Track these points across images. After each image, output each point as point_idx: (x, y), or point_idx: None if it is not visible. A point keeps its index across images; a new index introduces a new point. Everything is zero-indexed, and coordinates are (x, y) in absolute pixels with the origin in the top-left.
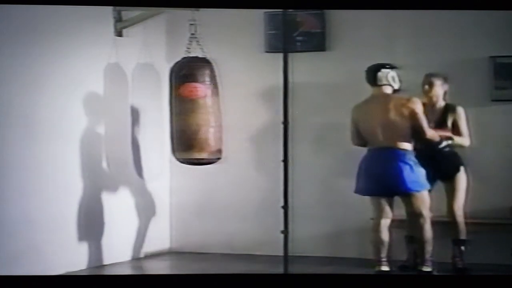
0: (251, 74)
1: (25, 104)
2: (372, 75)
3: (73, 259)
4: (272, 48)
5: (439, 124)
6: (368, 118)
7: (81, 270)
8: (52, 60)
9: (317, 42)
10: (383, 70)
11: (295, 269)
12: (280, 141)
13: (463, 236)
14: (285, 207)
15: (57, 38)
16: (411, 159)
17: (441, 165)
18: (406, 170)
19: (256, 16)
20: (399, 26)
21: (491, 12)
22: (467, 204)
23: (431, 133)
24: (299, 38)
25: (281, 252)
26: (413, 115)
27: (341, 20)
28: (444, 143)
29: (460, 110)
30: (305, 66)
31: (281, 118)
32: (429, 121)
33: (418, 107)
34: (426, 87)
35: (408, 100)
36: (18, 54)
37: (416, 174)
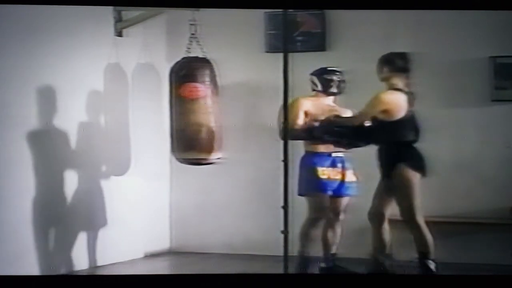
0: (251, 74)
1: (25, 104)
2: None
3: (73, 259)
4: (272, 48)
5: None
6: None
7: (81, 270)
8: (52, 60)
9: (317, 42)
10: (310, 75)
11: (295, 269)
12: (280, 141)
13: (428, 250)
14: (285, 207)
15: (57, 38)
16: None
17: (381, 161)
18: (301, 172)
19: (256, 16)
20: (399, 26)
21: (491, 12)
22: (422, 209)
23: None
24: (299, 38)
25: (281, 252)
26: None
27: (341, 20)
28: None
29: (379, 95)
30: (305, 66)
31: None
32: None
33: (294, 110)
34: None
35: None
36: (18, 54)
37: (307, 176)
